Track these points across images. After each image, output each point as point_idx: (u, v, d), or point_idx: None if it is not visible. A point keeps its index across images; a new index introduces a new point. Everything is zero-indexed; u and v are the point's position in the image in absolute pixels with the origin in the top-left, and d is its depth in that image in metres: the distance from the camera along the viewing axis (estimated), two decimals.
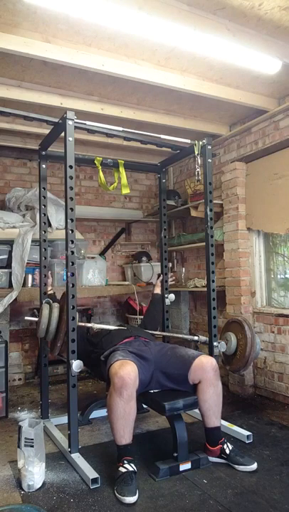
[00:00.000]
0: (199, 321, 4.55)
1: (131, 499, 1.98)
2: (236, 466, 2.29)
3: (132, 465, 2.14)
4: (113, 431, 2.20)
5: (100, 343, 2.73)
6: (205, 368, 2.37)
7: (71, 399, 2.37)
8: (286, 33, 2.51)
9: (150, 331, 3.04)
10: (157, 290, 3.38)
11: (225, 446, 2.36)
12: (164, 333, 3.34)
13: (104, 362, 2.50)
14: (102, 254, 4.75)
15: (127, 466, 2.12)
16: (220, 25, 2.39)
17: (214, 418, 2.40)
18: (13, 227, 3.75)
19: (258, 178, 3.66)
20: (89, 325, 2.81)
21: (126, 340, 2.68)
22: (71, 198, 2.43)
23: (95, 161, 3.03)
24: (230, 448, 2.35)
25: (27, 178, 4.44)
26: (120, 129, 2.87)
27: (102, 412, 3.10)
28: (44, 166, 3.09)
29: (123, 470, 2.11)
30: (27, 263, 3.53)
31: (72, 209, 2.43)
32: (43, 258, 3.06)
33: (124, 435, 2.17)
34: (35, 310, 4.13)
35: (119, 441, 2.18)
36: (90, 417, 3.06)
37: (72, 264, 2.42)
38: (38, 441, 2.16)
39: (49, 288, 3.01)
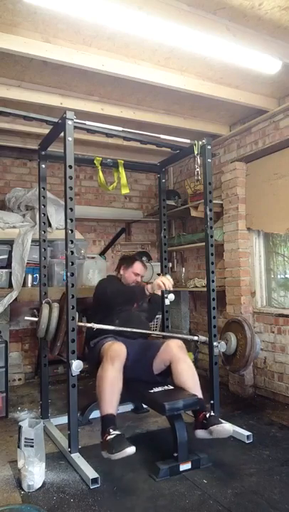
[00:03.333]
0: (199, 321, 4.54)
1: (131, 449, 2.07)
2: (211, 427, 2.31)
3: (117, 430, 2.23)
4: (101, 400, 2.37)
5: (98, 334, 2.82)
6: (171, 346, 2.68)
7: (71, 399, 2.37)
8: (286, 33, 2.51)
9: (149, 332, 3.07)
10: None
11: (206, 412, 2.47)
12: (164, 333, 3.33)
13: (92, 348, 2.73)
14: (102, 254, 4.75)
15: (113, 432, 2.20)
16: (220, 25, 2.39)
17: (192, 390, 2.50)
18: (13, 227, 3.75)
19: (258, 178, 3.66)
20: (88, 325, 2.80)
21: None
22: (71, 198, 2.43)
23: (95, 161, 3.03)
24: (211, 413, 2.49)
25: (27, 178, 4.43)
26: (120, 129, 2.87)
27: None
28: (44, 166, 3.09)
29: (111, 436, 2.18)
30: (27, 263, 3.53)
31: (72, 209, 2.43)
32: (43, 258, 3.06)
33: (112, 403, 2.34)
34: (35, 310, 4.12)
35: (106, 409, 2.33)
36: (90, 417, 3.06)
37: (72, 264, 2.42)
38: (38, 441, 2.16)
39: None
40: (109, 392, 2.37)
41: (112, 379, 2.39)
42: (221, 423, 2.34)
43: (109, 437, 2.19)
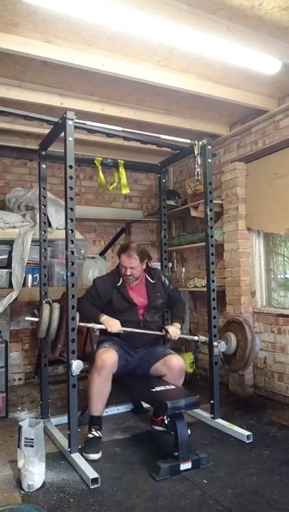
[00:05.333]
0: (199, 321, 4.54)
1: (94, 456, 2.41)
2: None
3: (98, 432, 2.58)
4: (89, 403, 2.62)
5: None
6: (173, 367, 2.71)
7: (71, 399, 2.37)
8: (286, 33, 2.51)
9: (151, 332, 3.03)
10: None
11: (165, 417, 2.80)
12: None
13: (96, 348, 2.78)
14: (102, 254, 4.75)
15: (94, 433, 2.56)
16: (220, 25, 2.39)
17: None
18: (13, 227, 3.75)
19: (258, 178, 3.66)
20: (89, 325, 2.80)
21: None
22: (71, 198, 2.43)
23: (95, 161, 3.03)
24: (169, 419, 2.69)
25: (27, 178, 4.43)
26: (120, 129, 2.87)
27: None
28: (44, 166, 3.09)
29: (91, 436, 2.54)
30: (27, 263, 3.53)
31: (72, 209, 2.43)
32: (43, 258, 3.06)
33: (97, 407, 2.60)
34: (35, 310, 4.12)
35: (92, 411, 2.61)
36: None
37: (72, 264, 2.42)
38: (38, 441, 2.16)
39: None
40: (96, 398, 2.58)
41: (98, 387, 2.56)
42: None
43: (89, 435, 2.55)
